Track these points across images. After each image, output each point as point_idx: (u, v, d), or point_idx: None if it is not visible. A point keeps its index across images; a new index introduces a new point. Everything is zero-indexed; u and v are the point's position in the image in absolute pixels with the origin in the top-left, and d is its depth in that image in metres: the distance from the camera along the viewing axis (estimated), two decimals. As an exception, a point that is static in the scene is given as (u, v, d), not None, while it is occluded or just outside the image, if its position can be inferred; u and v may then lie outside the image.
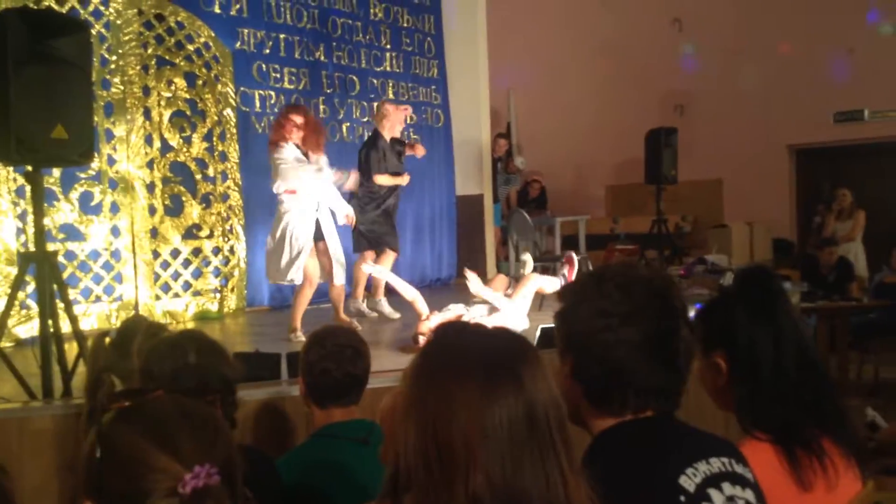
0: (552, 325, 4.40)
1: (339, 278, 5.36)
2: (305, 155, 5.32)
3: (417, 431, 1.02)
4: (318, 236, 5.28)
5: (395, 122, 6.22)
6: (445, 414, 1.00)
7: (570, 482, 1.01)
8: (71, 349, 3.65)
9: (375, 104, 6.60)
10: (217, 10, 6.90)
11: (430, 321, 4.73)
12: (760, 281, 1.76)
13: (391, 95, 8.47)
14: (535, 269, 7.54)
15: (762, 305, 1.71)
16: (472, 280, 5.08)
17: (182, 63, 6.51)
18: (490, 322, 4.72)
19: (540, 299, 6.16)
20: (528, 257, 6.07)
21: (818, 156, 11.06)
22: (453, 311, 4.94)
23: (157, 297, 6.25)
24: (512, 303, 5.05)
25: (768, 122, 10.65)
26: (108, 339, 2.28)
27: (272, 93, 7.31)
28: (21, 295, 4.79)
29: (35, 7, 5.46)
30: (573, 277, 5.61)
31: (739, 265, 7.94)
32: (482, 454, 0.98)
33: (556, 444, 1.02)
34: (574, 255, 5.85)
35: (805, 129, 10.56)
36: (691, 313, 1.56)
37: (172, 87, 6.44)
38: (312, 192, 5.26)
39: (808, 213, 10.59)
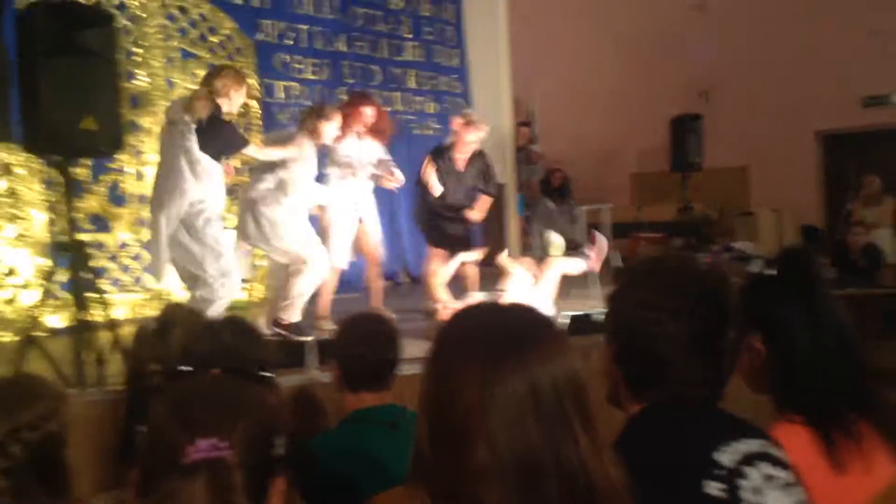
0: (579, 313, 4.39)
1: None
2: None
3: (428, 410, 1.06)
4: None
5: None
6: (450, 391, 1.04)
7: (587, 455, 1.02)
8: (103, 337, 3.69)
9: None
10: (239, 1, 6.94)
11: (450, 308, 4.74)
12: (800, 263, 1.75)
13: (412, 85, 8.47)
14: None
15: (801, 287, 1.70)
16: (503, 256, 5.06)
17: (205, 55, 6.54)
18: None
19: (566, 289, 6.15)
20: (556, 238, 5.99)
21: (846, 141, 10.92)
22: (473, 299, 4.93)
23: (186, 288, 6.29)
24: (536, 287, 5.03)
25: (795, 107, 10.53)
26: (148, 329, 2.30)
27: (295, 84, 7.34)
28: (53, 284, 4.84)
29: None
30: (598, 256, 5.53)
31: (767, 254, 7.89)
32: (485, 428, 1.00)
33: (570, 419, 1.02)
34: (598, 233, 5.77)
35: (832, 114, 10.44)
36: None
37: (196, 80, 6.47)
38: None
39: (835, 200, 10.47)
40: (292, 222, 4.63)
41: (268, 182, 4.62)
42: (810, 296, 1.69)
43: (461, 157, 5.60)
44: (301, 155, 4.70)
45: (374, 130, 5.54)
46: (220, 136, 4.08)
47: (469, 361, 1.05)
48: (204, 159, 4.04)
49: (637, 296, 1.41)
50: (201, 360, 1.70)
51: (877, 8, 9.98)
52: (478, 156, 5.71)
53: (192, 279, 4.31)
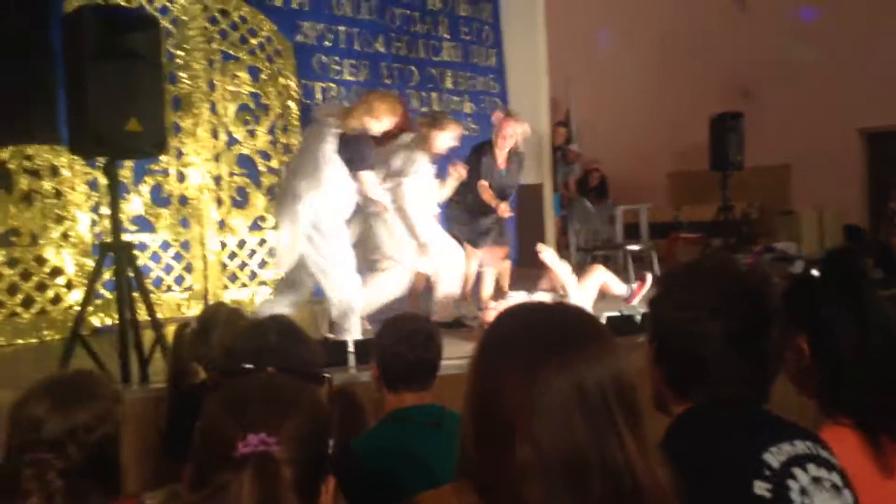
0: (616, 313, 4.35)
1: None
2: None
3: (473, 409, 1.08)
4: None
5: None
6: (493, 390, 1.06)
7: (633, 455, 1.02)
8: (147, 336, 3.76)
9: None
10: (278, 3, 7.01)
11: (494, 309, 4.73)
12: (845, 263, 1.73)
13: (449, 86, 8.48)
14: (595, 258, 7.47)
15: (846, 288, 1.68)
16: (547, 252, 5.03)
17: (245, 57, 6.62)
18: None
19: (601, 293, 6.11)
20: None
21: (890, 139, 10.70)
22: (515, 299, 4.91)
23: (225, 287, 6.39)
24: (580, 289, 5.01)
25: (838, 104, 10.35)
26: (189, 329, 2.34)
27: (332, 85, 7.40)
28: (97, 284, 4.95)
29: (107, 3, 5.63)
30: (639, 293, 5.43)
31: (808, 256, 7.76)
32: (528, 427, 1.01)
33: (616, 419, 1.03)
34: (649, 275, 5.61)
35: (876, 111, 10.23)
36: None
37: (237, 81, 6.56)
38: None
39: (880, 199, 10.25)
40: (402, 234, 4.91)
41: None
42: (856, 296, 1.67)
43: (500, 153, 5.60)
44: (412, 168, 4.87)
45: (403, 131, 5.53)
46: (356, 150, 4.26)
47: (512, 361, 1.06)
48: (335, 162, 4.21)
49: (676, 296, 1.41)
50: (247, 358, 1.72)
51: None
52: (515, 154, 5.71)
53: (290, 283, 4.53)
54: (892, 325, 1.70)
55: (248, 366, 1.63)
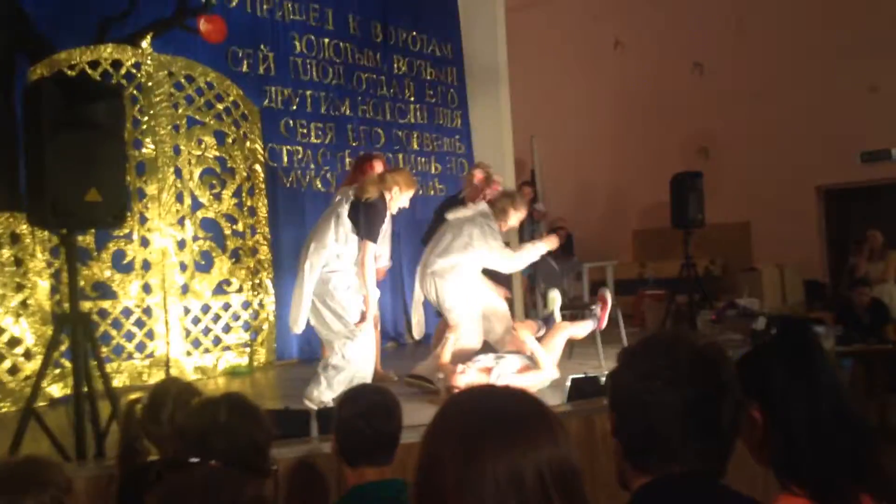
0: (580, 375, 4.35)
1: None
2: None
3: (416, 488, 1.09)
4: None
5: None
6: (433, 471, 1.07)
7: None
8: (104, 409, 3.68)
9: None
10: (245, 69, 7.08)
11: (463, 375, 4.68)
12: (795, 333, 1.75)
13: (416, 147, 8.59)
14: (564, 317, 7.47)
15: (797, 358, 1.70)
16: (524, 332, 5.02)
17: (212, 122, 6.65)
18: (519, 379, 4.66)
19: (569, 348, 6.11)
20: (556, 294, 5.98)
21: (847, 196, 10.97)
22: (483, 362, 4.87)
23: (189, 353, 6.30)
24: (548, 350, 4.98)
25: (795, 163, 10.62)
26: (139, 406, 2.30)
27: (299, 148, 7.45)
28: (54, 354, 4.85)
29: (70, 73, 5.64)
30: (605, 317, 5.50)
31: (771, 311, 7.85)
32: None
33: None
34: (607, 292, 5.74)
35: (832, 169, 10.51)
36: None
37: (202, 146, 6.57)
38: None
39: (839, 255, 10.47)
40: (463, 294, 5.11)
41: (445, 263, 5.07)
42: (806, 367, 1.68)
43: None
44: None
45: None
46: (368, 218, 4.60)
47: (451, 445, 1.07)
48: (348, 226, 4.59)
49: (633, 368, 1.43)
50: (196, 438, 1.69)
51: (875, 65, 10.13)
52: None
53: (328, 342, 4.80)
54: (843, 396, 1.72)
55: (193, 459, 1.59)
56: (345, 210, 4.62)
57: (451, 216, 5.33)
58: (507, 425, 1.08)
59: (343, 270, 4.64)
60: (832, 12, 10.34)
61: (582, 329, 5.48)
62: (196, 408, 1.96)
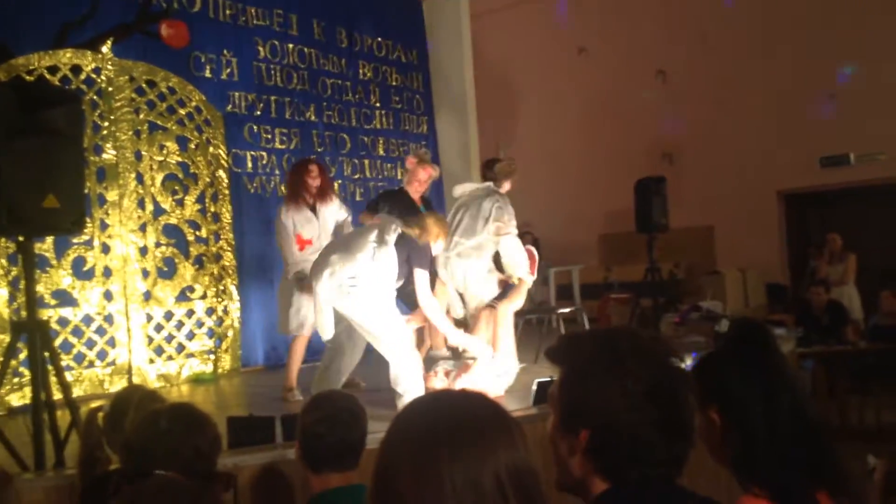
0: (548, 379, 4.31)
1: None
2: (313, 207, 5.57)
3: (373, 492, 1.08)
4: None
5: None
6: (389, 477, 1.06)
7: None
8: (63, 418, 3.62)
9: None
10: (208, 74, 7.02)
11: (436, 378, 4.69)
12: (752, 336, 1.76)
13: (381, 152, 8.58)
14: (528, 321, 7.48)
15: (753, 361, 1.71)
16: (449, 331, 4.94)
17: (174, 127, 6.58)
18: (474, 378, 4.66)
19: (536, 352, 6.13)
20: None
21: (808, 200, 11.17)
22: (441, 368, 4.89)
23: (151, 361, 6.21)
24: (488, 347, 4.92)
25: (756, 168, 10.78)
26: (101, 414, 2.27)
27: (264, 153, 7.40)
28: (13, 362, 4.76)
29: (28, 78, 5.55)
30: (532, 266, 5.39)
31: (733, 315, 7.95)
32: None
33: None
34: (533, 249, 5.59)
35: (793, 174, 10.69)
36: (688, 363, 1.55)
37: (164, 151, 6.50)
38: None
39: (800, 258, 10.64)
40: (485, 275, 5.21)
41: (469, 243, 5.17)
42: (763, 369, 1.70)
43: (416, 198, 5.76)
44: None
45: (322, 192, 5.60)
46: (416, 255, 4.63)
47: (406, 451, 1.06)
48: (391, 253, 4.58)
49: (606, 384, 1.36)
50: (138, 449, 1.68)
51: (835, 70, 10.32)
52: (425, 199, 5.88)
53: (335, 350, 4.86)
54: (800, 397, 1.74)
55: (159, 472, 1.57)
56: (392, 238, 4.62)
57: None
58: (463, 431, 1.07)
59: (364, 285, 4.59)
60: (792, 19, 10.53)
61: (518, 300, 5.31)
62: (140, 419, 1.95)
